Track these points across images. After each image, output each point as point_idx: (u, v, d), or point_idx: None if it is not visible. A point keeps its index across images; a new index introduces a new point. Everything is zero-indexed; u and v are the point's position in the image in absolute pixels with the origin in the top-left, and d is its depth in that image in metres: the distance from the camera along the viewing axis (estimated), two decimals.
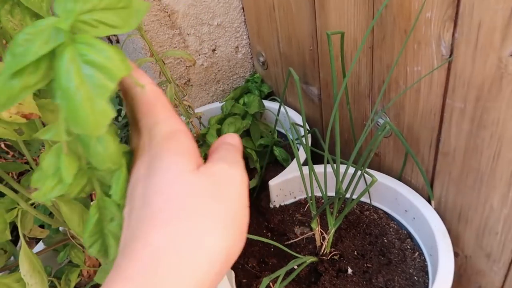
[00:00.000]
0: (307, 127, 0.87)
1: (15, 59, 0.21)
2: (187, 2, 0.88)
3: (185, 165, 0.25)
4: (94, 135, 0.22)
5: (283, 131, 0.96)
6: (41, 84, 0.22)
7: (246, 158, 0.89)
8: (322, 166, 0.76)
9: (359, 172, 0.62)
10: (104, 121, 0.22)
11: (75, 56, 0.21)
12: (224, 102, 0.93)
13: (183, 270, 0.22)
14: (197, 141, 0.83)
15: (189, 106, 0.75)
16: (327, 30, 0.71)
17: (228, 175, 0.26)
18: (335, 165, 0.64)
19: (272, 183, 0.76)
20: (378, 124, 0.71)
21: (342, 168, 0.65)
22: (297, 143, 0.88)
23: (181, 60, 0.93)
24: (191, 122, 0.76)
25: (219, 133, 0.83)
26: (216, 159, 0.28)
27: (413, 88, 0.60)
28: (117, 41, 1.02)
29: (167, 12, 0.86)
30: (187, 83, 0.97)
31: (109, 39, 1.03)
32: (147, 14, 0.84)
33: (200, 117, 0.79)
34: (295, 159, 0.80)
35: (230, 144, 0.30)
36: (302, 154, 0.83)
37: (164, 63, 0.74)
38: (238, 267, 0.71)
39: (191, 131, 0.84)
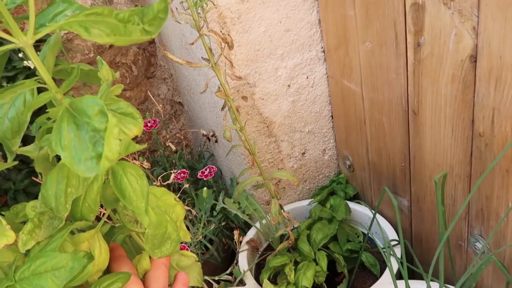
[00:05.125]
0: (396, 236, 0.89)
1: None
2: (283, 114, 0.97)
3: None
4: None
5: (372, 235, 0.99)
6: None
7: (333, 261, 0.92)
8: (414, 282, 0.77)
9: None
10: None
11: None
12: (312, 205, 0.98)
13: None
14: (292, 248, 0.88)
15: (286, 217, 0.81)
16: (421, 153, 0.76)
17: None
18: (429, 285, 0.66)
19: None
20: (475, 248, 0.72)
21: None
22: (385, 251, 0.90)
23: (274, 164, 1.01)
24: (288, 230, 0.82)
25: (309, 238, 0.88)
26: None
27: None
28: (216, 141, 1.14)
29: (266, 123, 0.96)
30: (278, 183, 1.04)
31: (208, 138, 1.15)
32: (249, 126, 0.94)
33: (295, 227, 0.85)
34: (386, 271, 0.82)
35: None
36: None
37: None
38: None
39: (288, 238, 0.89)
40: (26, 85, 0.25)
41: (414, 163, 0.80)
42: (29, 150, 0.28)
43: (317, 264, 0.83)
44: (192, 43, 0.68)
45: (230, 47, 0.57)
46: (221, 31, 0.80)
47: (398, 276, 0.81)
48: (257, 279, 0.88)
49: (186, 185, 0.99)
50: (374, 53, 0.79)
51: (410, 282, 0.74)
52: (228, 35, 0.56)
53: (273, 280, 0.81)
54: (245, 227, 1.08)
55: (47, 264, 0.25)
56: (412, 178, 0.82)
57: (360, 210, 0.99)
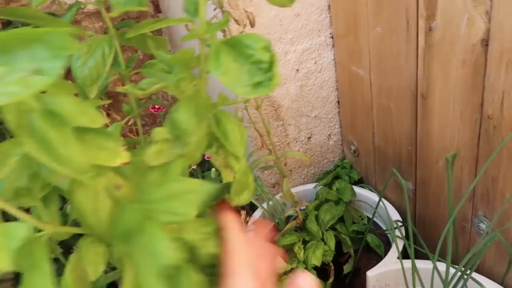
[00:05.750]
0: (400, 218, 0.91)
1: None
2: (291, 98, 0.99)
3: None
4: None
5: (375, 218, 1.01)
6: None
7: (340, 242, 0.95)
8: (418, 261, 0.79)
9: (460, 275, 0.65)
10: None
11: None
12: (319, 188, 1.00)
13: None
14: (299, 227, 0.90)
15: (296, 197, 0.83)
16: (428, 137, 0.78)
17: None
18: (436, 264, 0.68)
19: (370, 274, 0.80)
20: (479, 228, 0.74)
21: (442, 267, 0.68)
22: (388, 233, 0.92)
23: (281, 147, 1.03)
24: (296, 210, 0.84)
25: (317, 219, 0.90)
26: None
27: None
28: None
29: (274, 106, 0.98)
30: (285, 166, 1.06)
31: None
32: None
33: (302, 208, 0.87)
34: (391, 251, 0.85)
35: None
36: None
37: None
38: None
39: (295, 218, 0.91)
40: (170, 21, 0.27)
41: (421, 147, 0.82)
42: (128, 89, 0.29)
43: (325, 243, 0.85)
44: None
45: (252, 24, 0.59)
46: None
47: (403, 255, 0.84)
48: None
49: (194, 167, 1.01)
50: (384, 39, 0.80)
51: (415, 261, 0.77)
52: (251, 13, 0.57)
53: None
54: (249, 210, 1.10)
55: (177, 188, 0.26)
56: (418, 161, 0.84)
57: (364, 194, 1.01)
